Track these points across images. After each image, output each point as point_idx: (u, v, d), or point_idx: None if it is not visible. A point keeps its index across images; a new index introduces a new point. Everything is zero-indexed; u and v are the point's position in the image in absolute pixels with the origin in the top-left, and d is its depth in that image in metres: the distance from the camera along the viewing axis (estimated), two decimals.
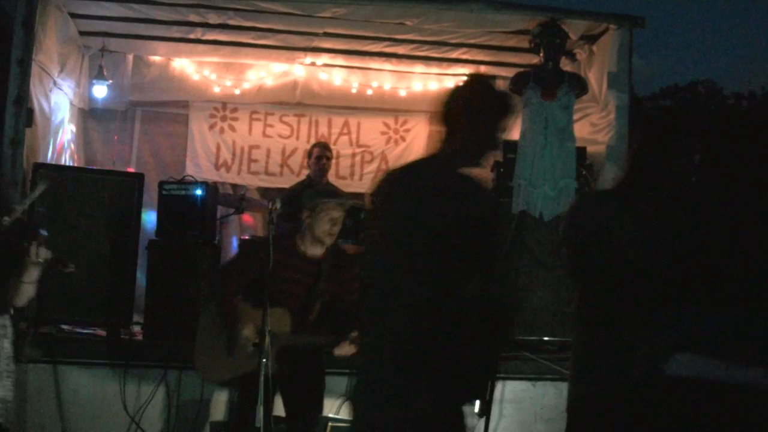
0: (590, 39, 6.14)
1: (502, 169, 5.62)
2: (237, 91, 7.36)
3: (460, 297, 2.34)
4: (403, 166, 2.69)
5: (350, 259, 4.15)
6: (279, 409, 4.00)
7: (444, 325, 2.35)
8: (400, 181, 2.55)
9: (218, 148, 7.44)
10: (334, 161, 6.69)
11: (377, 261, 2.51)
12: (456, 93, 2.65)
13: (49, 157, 5.88)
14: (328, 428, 4.28)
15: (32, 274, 3.37)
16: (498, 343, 2.47)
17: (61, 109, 6.27)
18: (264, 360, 3.54)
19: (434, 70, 7.22)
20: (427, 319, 2.36)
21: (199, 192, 5.22)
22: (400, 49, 6.81)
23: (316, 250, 4.00)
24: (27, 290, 3.44)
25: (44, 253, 3.28)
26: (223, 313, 3.94)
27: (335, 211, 3.98)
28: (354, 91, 7.42)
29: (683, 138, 2.65)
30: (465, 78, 2.75)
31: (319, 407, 4.08)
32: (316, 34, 6.49)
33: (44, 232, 3.42)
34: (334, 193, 4.31)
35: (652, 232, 2.61)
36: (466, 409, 2.48)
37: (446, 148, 2.60)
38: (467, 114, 2.55)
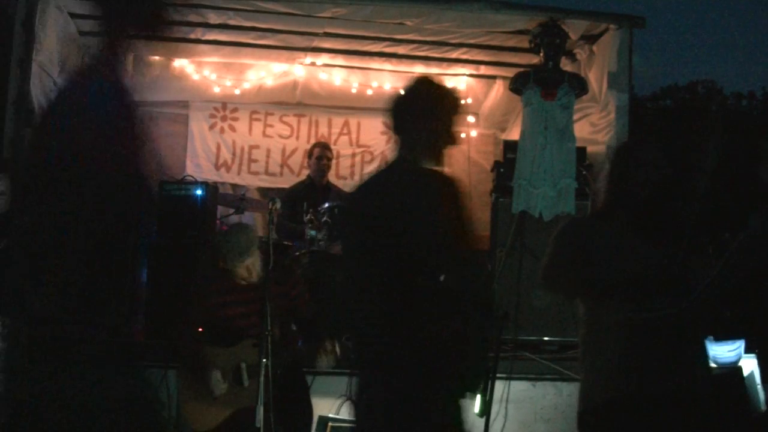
0: (590, 39, 6.14)
1: (502, 169, 5.63)
2: (237, 91, 7.36)
3: (426, 291, 2.38)
4: (365, 179, 2.75)
5: (285, 268, 4.23)
6: None
7: (418, 323, 2.40)
8: (360, 195, 2.61)
9: (218, 148, 7.44)
10: (334, 161, 6.69)
11: (350, 275, 2.57)
12: (402, 97, 2.71)
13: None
14: (328, 428, 4.28)
15: None
16: (479, 336, 2.50)
17: None
18: (264, 360, 3.54)
19: (434, 70, 7.21)
20: (402, 319, 2.40)
21: (199, 192, 5.22)
22: (400, 49, 6.81)
23: (250, 278, 4.07)
24: None
25: None
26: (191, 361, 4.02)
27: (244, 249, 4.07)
28: (354, 91, 7.42)
29: (645, 151, 2.75)
30: (409, 82, 2.80)
31: (309, 405, 4.11)
32: (316, 34, 6.49)
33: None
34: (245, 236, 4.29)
35: (628, 242, 2.66)
36: (464, 403, 2.51)
37: (402, 152, 2.66)
38: (416, 116, 2.62)
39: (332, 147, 6.72)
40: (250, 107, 7.49)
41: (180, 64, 7.25)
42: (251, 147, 7.49)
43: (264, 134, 7.52)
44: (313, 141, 7.13)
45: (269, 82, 7.37)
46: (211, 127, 7.45)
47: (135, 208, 5.21)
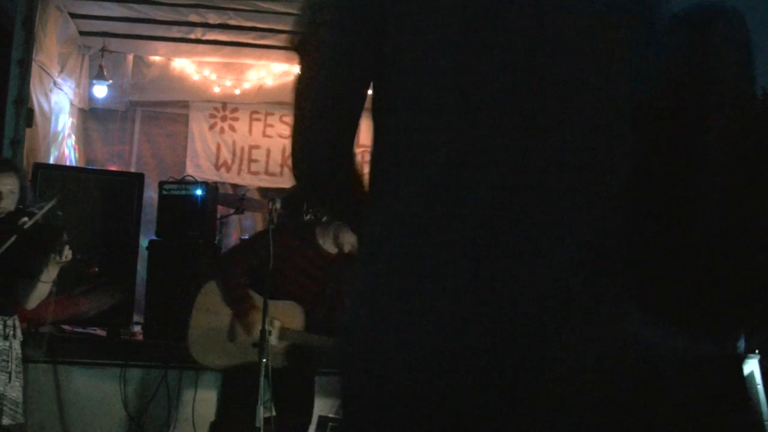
0: None
1: None
2: (237, 91, 7.37)
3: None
4: None
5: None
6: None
7: None
8: None
9: (218, 148, 7.44)
10: None
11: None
12: None
13: (49, 157, 5.89)
14: (329, 428, 4.28)
15: (52, 274, 3.41)
16: None
17: (61, 109, 6.27)
18: (264, 360, 3.53)
19: None
20: None
21: (199, 192, 5.22)
22: None
23: (332, 249, 3.96)
24: (42, 290, 3.47)
25: (70, 254, 3.33)
26: (230, 298, 3.88)
27: None
28: None
29: None
30: None
31: (311, 405, 4.07)
32: None
33: (65, 234, 3.45)
34: None
35: None
36: None
37: None
38: None
39: None
40: (250, 107, 7.49)
41: (180, 64, 7.25)
42: (251, 147, 7.49)
43: (264, 134, 7.52)
44: None
45: (269, 82, 7.37)
46: (211, 127, 7.45)
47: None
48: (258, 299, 3.80)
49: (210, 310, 3.93)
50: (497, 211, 0.96)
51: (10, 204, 3.53)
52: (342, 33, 1.19)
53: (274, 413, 3.96)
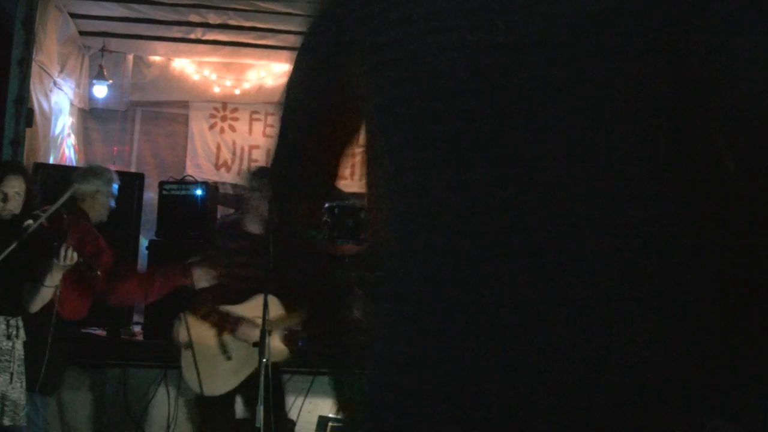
0: None
1: None
2: (237, 91, 7.37)
3: None
4: None
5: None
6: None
7: None
8: None
9: (218, 148, 7.45)
10: None
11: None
12: None
13: (49, 157, 5.89)
14: (328, 428, 4.28)
15: (56, 278, 3.41)
16: None
17: (61, 109, 6.27)
18: (264, 360, 3.52)
19: None
20: None
21: (199, 192, 5.23)
22: None
23: (259, 229, 3.97)
24: (46, 294, 3.47)
25: (75, 257, 3.33)
26: (214, 321, 3.93)
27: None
28: None
29: None
30: None
31: (283, 403, 4.09)
32: None
33: (69, 238, 3.45)
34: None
35: None
36: None
37: None
38: None
39: None
40: (250, 107, 7.50)
41: (180, 64, 7.25)
42: (251, 147, 7.49)
43: (264, 134, 7.52)
44: None
45: (269, 82, 7.37)
46: (211, 127, 7.46)
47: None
48: (232, 310, 3.86)
49: (192, 343, 3.94)
50: (496, 213, 0.96)
51: (15, 206, 3.52)
52: (319, 39, 1.20)
53: (248, 415, 3.90)
